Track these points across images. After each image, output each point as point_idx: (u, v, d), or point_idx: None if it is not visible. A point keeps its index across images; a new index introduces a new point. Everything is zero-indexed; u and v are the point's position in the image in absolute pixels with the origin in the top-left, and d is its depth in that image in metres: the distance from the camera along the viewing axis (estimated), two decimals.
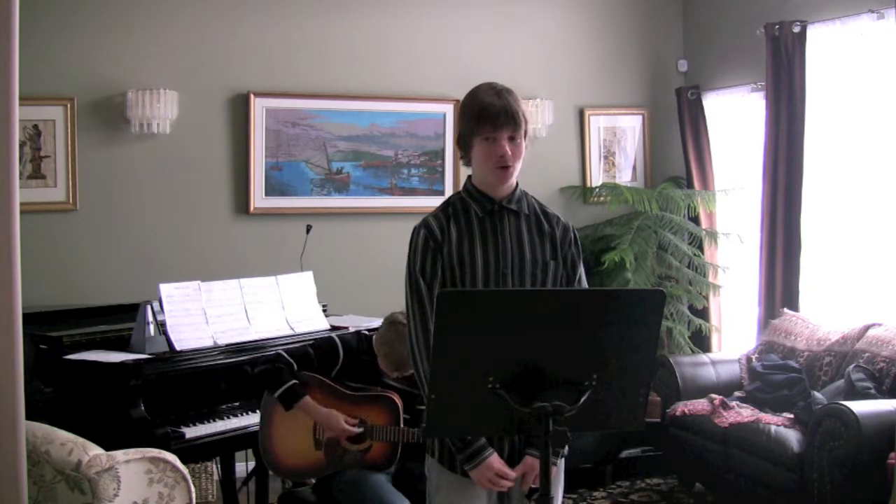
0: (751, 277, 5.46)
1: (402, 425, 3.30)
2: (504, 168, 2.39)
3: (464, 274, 2.39)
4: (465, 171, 2.53)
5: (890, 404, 3.84)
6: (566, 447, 2.46)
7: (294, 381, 3.26)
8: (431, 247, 2.40)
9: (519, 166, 2.43)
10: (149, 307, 3.65)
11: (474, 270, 2.39)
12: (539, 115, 5.73)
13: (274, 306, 4.03)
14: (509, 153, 2.37)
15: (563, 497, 2.65)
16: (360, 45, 5.47)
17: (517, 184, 2.49)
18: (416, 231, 2.46)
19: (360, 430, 3.27)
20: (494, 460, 2.35)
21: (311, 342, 3.49)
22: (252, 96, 5.20)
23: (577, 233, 2.56)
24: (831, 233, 5.12)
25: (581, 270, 2.52)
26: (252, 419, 3.63)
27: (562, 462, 2.52)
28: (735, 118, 5.77)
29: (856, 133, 4.97)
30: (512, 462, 2.39)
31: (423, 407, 3.40)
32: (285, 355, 3.33)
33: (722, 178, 5.82)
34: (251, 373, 3.37)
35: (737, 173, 5.73)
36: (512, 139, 2.38)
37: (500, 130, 2.36)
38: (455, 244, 2.40)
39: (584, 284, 2.55)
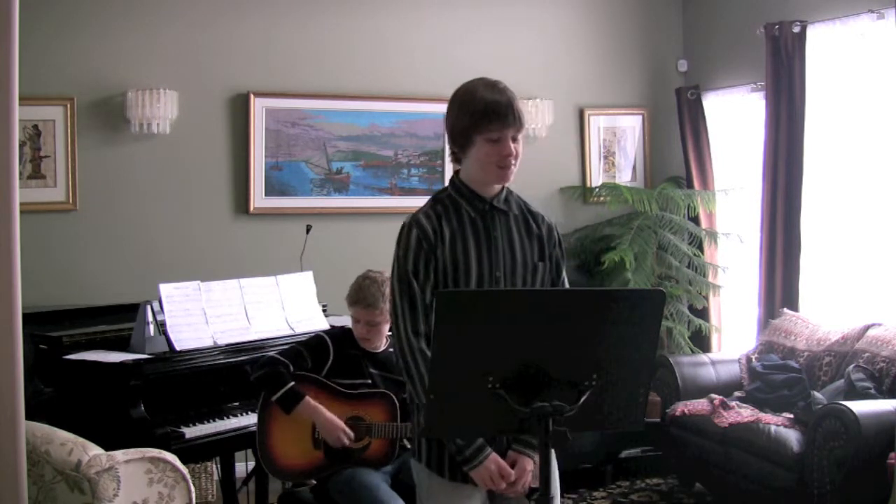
0: (751, 277, 5.46)
1: (399, 421, 3.31)
2: (506, 168, 2.36)
3: (457, 276, 2.36)
4: None
5: (890, 404, 3.84)
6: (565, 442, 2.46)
7: (292, 383, 3.27)
8: (425, 248, 2.36)
9: (517, 165, 2.41)
10: (149, 307, 3.65)
11: (468, 272, 2.36)
12: (539, 115, 5.73)
13: (274, 306, 4.03)
14: (514, 153, 2.35)
15: (563, 497, 2.64)
16: (360, 45, 5.47)
17: None
18: (406, 229, 2.40)
19: (352, 437, 3.28)
20: (496, 458, 2.34)
21: (300, 341, 3.49)
22: (252, 96, 5.20)
23: (560, 232, 2.53)
24: (831, 233, 5.12)
25: (564, 272, 2.50)
26: (252, 419, 3.62)
27: (553, 460, 2.50)
28: (735, 118, 5.77)
29: (856, 133, 4.96)
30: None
31: (406, 396, 3.47)
32: (280, 357, 3.33)
33: (722, 178, 5.81)
34: (249, 379, 3.36)
35: (737, 173, 5.73)
36: (514, 139, 2.36)
37: (506, 129, 2.33)
38: (448, 245, 2.37)
39: (566, 285, 2.52)
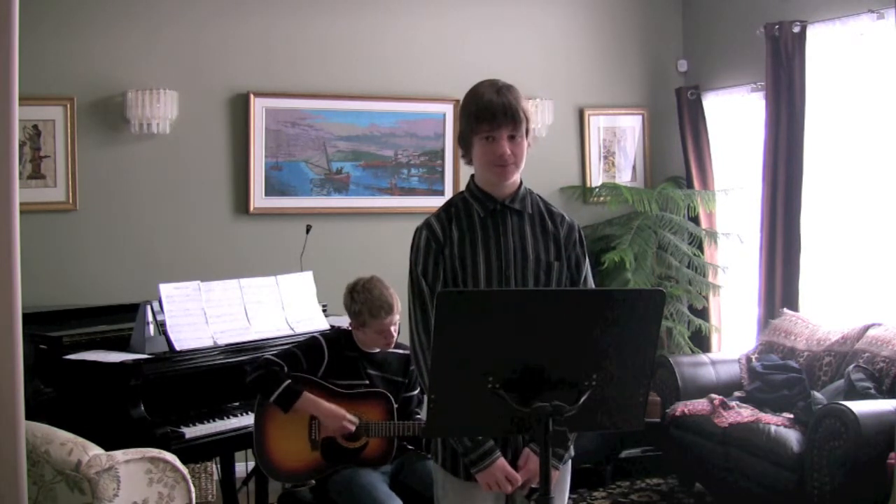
0: (751, 277, 5.46)
1: (396, 419, 3.31)
2: (503, 167, 2.36)
3: (465, 275, 2.37)
4: (465, 171, 2.52)
5: (890, 404, 3.84)
6: (570, 450, 2.46)
7: (289, 381, 3.27)
8: (433, 248, 2.38)
9: (522, 164, 2.39)
10: (149, 307, 3.66)
11: (476, 272, 2.37)
12: (539, 115, 5.73)
13: (274, 306, 4.03)
14: (508, 152, 2.33)
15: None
16: (360, 45, 5.47)
17: (521, 182, 2.45)
18: (417, 232, 2.44)
19: (356, 423, 3.28)
20: (503, 464, 2.33)
21: (295, 344, 3.49)
22: (252, 96, 5.20)
23: (583, 231, 2.54)
24: (831, 233, 5.12)
25: (587, 271, 2.50)
26: (252, 419, 3.62)
27: (567, 465, 2.50)
28: (735, 118, 5.77)
29: (855, 133, 4.96)
30: (514, 464, 2.38)
31: (408, 394, 3.47)
32: (275, 359, 3.33)
33: (722, 178, 5.81)
34: (245, 381, 3.36)
35: (737, 173, 5.73)
36: (512, 137, 2.34)
37: (499, 129, 2.32)
38: (457, 245, 2.38)
39: (591, 285, 2.52)
